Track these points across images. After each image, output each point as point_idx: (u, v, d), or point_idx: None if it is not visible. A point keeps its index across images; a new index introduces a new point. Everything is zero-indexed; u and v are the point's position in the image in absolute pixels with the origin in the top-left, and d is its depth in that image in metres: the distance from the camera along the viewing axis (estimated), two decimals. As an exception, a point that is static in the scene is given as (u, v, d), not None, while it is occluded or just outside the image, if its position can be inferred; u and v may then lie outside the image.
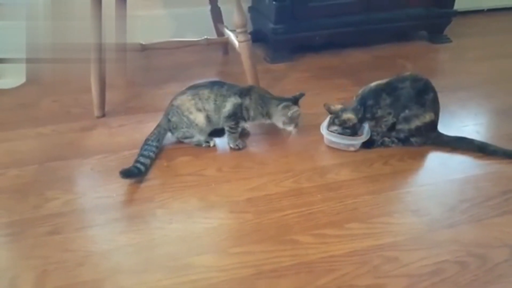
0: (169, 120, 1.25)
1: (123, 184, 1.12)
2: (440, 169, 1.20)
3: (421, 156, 1.25)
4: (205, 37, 1.63)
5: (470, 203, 1.07)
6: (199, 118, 1.23)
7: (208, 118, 1.23)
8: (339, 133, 1.25)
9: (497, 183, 1.14)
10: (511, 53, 1.97)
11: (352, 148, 1.26)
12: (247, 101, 1.23)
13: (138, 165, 1.14)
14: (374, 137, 1.27)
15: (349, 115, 1.23)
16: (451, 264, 0.89)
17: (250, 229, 0.98)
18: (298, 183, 1.13)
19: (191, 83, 1.29)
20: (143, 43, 1.56)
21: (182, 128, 1.24)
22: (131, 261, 0.90)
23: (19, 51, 1.71)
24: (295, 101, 1.25)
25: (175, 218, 1.01)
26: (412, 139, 1.25)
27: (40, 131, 1.35)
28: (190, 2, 1.97)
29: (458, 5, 2.03)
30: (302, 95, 1.27)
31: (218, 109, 1.23)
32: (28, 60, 1.72)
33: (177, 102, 1.24)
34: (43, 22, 1.78)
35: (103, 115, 1.43)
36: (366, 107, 1.23)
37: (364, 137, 1.25)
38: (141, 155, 1.18)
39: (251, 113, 1.24)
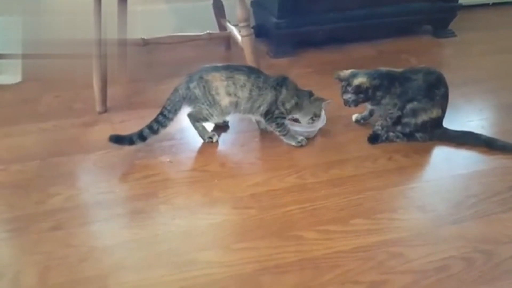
0: (188, 88, 1.19)
1: (126, 180, 1.11)
2: (445, 164, 1.19)
3: (426, 152, 1.23)
4: (207, 31, 1.62)
5: (475, 198, 1.06)
6: (225, 102, 1.19)
7: (237, 104, 1.19)
8: (353, 100, 1.21)
9: (503, 178, 1.13)
10: (516, 48, 1.95)
11: (305, 135, 1.26)
12: (283, 94, 1.19)
13: (135, 137, 1.17)
14: (379, 132, 1.26)
15: (360, 79, 1.19)
16: (457, 260, 0.88)
17: (253, 225, 0.98)
18: (301, 178, 1.12)
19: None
20: (145, 38, 1.54)
21: (202, 104, 1.19)
22: (134, 256, 0.90)
23: (17, 47, 1.70)
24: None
25: (179, 214, 1.00)
26: (417, 135, 1.24)
27: (42, 127, 1.34)
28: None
29: (463, -1, 2.01)
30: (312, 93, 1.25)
31: (251, 100, 1.19)
32: (29, 56, 1.71)
33: (208, 76, 1.17)
34: (42, 17, 1.77)
35: (105, 111, 1.42)
36: (381, 85, 1.20)
37: (320, 122, 1.24)
38: (149, 126, 1.18)
39: (287, 105, 1.20)
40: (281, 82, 1.21)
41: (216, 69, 1.19)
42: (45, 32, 1.72)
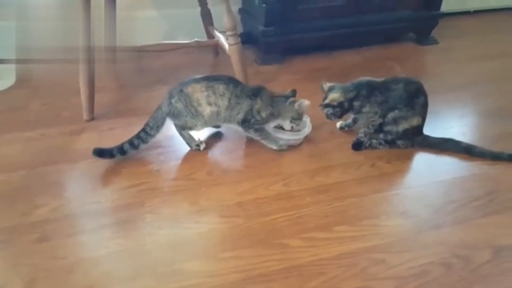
0: (170, 103, 1.21)
1: (113, 190, 1.12)
2: (427, 171, 1.22)
3: (408, 158, 1.27)
4: (196, 39, 1.63)
5: (456, 204, 1.09)
6: (207, 112, 1.22)
7: (218, 113, 1.23)
8: (331, 113, 1.26)
9: (483, 184, 1.16)
10: (498, 54, 2.00)
11: (292, 142, 1.28)
12: (258, 103, 1.23)
13: (115, 151, 1.18)
14: (362, 139, 1.29)
15: (331, 96, 1.25)
16: (436, 266, 0.91)
17: (240, 233, 0.99)
18: (287, 186, 1.14)
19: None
20: (133, 45, 1.55)
21: (186, 117, 1.22)
22: (122, 267, 0.91)
23: (9, 52, 1.69)
24: (293, 97, 1.26)
25: (166, 224, 1.01)
26: (399, 142, 1.27)
27: (29, 135, 1.34)
28: (180, 4, 1.97)
29: (445, 7, 2.06)
30: (294, 92, 1.28)
31: (230, 108, 1.22)
32: (18, 61, 1.71)
33: (188, 89, 1.20)
34: (33, 23, 1.76)
35: (92, 119, 1.43)
36: (359, 95, 1.24)
37: (305, 131, 1.28)
38: (130, 142, 1.19)
39: (263, 114, 1.24)
40: (256, 92, 1.24)
41: (195, 81, 1.22)
42: (38, 38, 1.72)
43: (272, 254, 0.93)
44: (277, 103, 1.25)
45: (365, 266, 0.91)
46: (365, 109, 1.25)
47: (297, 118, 1.25)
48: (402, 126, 1.24)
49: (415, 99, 1.23)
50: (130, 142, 1.20)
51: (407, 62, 1.90)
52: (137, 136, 1.21)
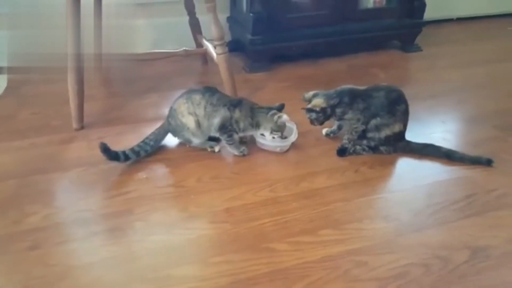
0: (169, 123, 1.31)
1: (103, 197, 1.14)
2: (409, 175, 1.26)
3: (391, 164, 1.31)
4: (184, 48, 1.66)
5: (436, 207, 1.13)
6: (190, 122, 1.27)
7: (198, 123, 1.28)
8: (315, 119, 1.30)
9: (462, 187, 1.21)
10: (480, 61, 2.07)
11: (278, 149, 1.32)
12: (237, 114, 1.27)
13: (120, 153, 1.21)
14: (346, 146, 1.33)
15: (314, 102, 1.29)
16: (416, 267, 0.95)
17: (228, 238, 1.02)
18: (274, 192, 1.17)
19: (171, 94, 1.33)
20: (122, 53, 1.58)
21: (180, 132, 1.30)
22: (112, 274, 0.93)
23: (3, 60, 1.70)
24: (278, 110, 1.30)
25: (155, 230, 1.04)
26: (382, 148, 1.32)
27: (18, 145, 1.36)
28: (169, 13, 2.00)
29: (428, 15, 2.13)
30: (282, 106, 1.32)
31: (207, 116, 1.27)
32: (10, 70, 1.72)
33: (175, 105, 1.30)
34: (25, 32, 1.78)
35: (82, 127, 1.44)
36: (341, 102, 1.29)
37: (291, 139, 1.32)
38: (131, 149, 1.23)
39: (241, 125, 1.28)
40: (236, 103, 1.29)
41: (180, 97, 1.30)
42: (26, 46, 1.73)
43: (259, 258, 0.96)
44: (257, 114, 1.29)
45: (348, 268, 0.94)
46: (348, 116, 1.29)
47: (277, 130, 1.29)
48: (384, 132, 1.29)
49: (396, 106, 1.27)
50: (131, 149, 1.25)
51: (391, 70, 1.96)
52: (138, 145, 1.27)
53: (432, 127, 1.50)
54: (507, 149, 1.35)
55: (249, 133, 1.33)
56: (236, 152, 1.31)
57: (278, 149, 1.32)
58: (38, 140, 1.38)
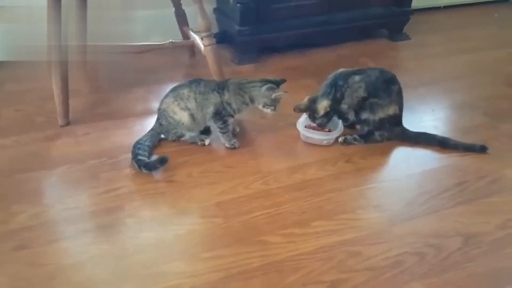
0: (160, 124, 1.29)
1: (92, 194, 1.12)
2: (400, 164, 1.26)
3: (382, 153, 1.30)
4: (170, 40, 1.63)
5: (428, 196, 1.13)
6: (184, 117, 1.26)
7: (192, 117, 1.26)
8: (326, 121, 1.30)
9: (453, 175, 1.21)
10: (467, 49, 2.07)
11: (325, 142, 1.31)
12: (226, 96, 1.26)
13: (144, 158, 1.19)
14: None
15: (322, 103, 1.27)
16: (409, 256, 0.95)
17: (220, 233, 1.01)
18: (266, 184, 1.16)
19: (158, 87, 1.30)
20: (107, 46, 1.54)
21: (172, 130, 1.28)
22: (103, 271, 0.91)
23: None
24: (277, 84, 1.28)
25: (146, 226, 1.02)
26: (376, 133, 1.30)
27: (2, 143, 1.32)
28: (155, 5, 1.95)
29: (416, 3, 2.12)
30: (283, 80, 1.30)
31: (200, 107, 1.26)
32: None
33: (163, 106, 1.28)
34: (6, 26, 1.72)
35: (68, 123, 1.41)
36: (337, 86, 1.27)
37: (338, 131, 1.30)
38: (137, 154, 1.19)
39: (233, 105, 1.27)
40: (222, 85, 1.28)
41: (166, 96, 1.29)
42: (12, 41, 1.68)
43: (252, 252, 0.95)
44: (248, 89, 1.27)
45: (342, 258, 0.94)
46: (348, 92, 1.27)
47: (270, 104, 1.26)
48: (379, 115, 1.27)
49: (391, 86, 1.27)
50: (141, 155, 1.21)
51: (380, 59, 1.95)
52: (139, 153, 1.21)
53: (422, 116, 1.50)
54: (497, 136, 1.36)
55: (245, 111, 1.30)
56: (227, 144, 1.30)
57: (325, 142, 1.31)
58: (22, 138, 1.34)
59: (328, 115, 1.29)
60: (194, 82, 1.28)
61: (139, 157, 1.19)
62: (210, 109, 1.26)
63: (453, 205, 1.10)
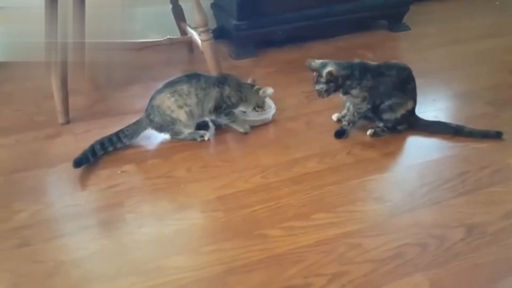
0: (151, 120, 1.25)
1: (92, 191, 1.12)
2: (401, 155, 1.26)
3: (382, 145, 1.29)
4: (168, 36, 1.62)
5: (429, 187, 1.12)
6: (182, 115, 1.25)
7: (191, 113, 1.25)
8: (325, 90, 1.25)
9: (455, 165, 1.20)
10: (467, 38, 2.04)
11: (259, 122, 1.35)
12: (227, 90, 1.27)
13: (89, 154, 1.18)
14: (345, 128, 1.30)
15: (328, 69, 1.23)
16: (412, 247, 0.94)
17: (220, 227, 1.01)
18: (265, 178, 1.16)
19: (157, 84, 1.29)
20: (105, 44, 1.53)
21: (169, 126, 1.26)
22: (103, 267, 0.91)
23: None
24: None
25: (146, 222, 1.02)
26: (399, 127, 1.31)
27: (3, 142, 1.32)
28: (152, 1, 1.94)
29: (416, -8, 2.10)
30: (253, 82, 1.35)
31: (201, 102, 1.25)
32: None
33: (156, 102, 1.24)
34: (4, 26, 1.72)
35: (68, 122, 1.41)
36: (352, 75, 1.24)
37: (271, 109, 1.34)
38: (100, 142, 1.20)
39: (233, 99, 1.28)
40: (223, 80, 1.29)
41: (159, 91, 1.25)
42: (11, 41, 1.67)
43: (253, 245, 0.95)
44: (244, 89, 1.30)
45: (343, 251, 0.93)
46: (354, 92, 1.25)
47: (261, 105, 1.31)
48: (400, 112, 1.27)
49: (407, 85, 1.27)
50: (101, 143, 1.21)
51: (380, 50, 1.93)
52: (109, 139, 1.22)
53: (424, 106, 1.48)
54: (498, 125, 1.34)
55: (241, 108, 1.32)
56: (241, 129, 1.31)
57: (259, 123, 1.35)
58: (23, 136, 1.34)
59: (329, 86, 1.24)
60: (194, 77, 1.27)
61: (89, 151, 1.18)
62: (211, 104, 1.26)
63: (455, 195, 1.09)
